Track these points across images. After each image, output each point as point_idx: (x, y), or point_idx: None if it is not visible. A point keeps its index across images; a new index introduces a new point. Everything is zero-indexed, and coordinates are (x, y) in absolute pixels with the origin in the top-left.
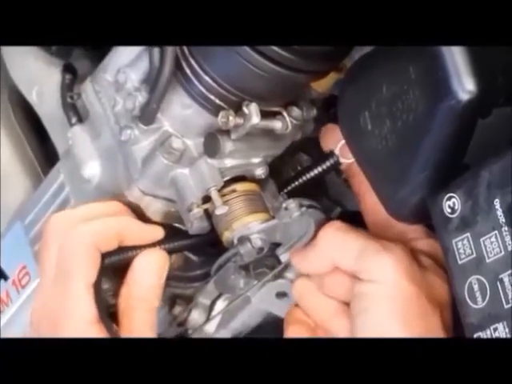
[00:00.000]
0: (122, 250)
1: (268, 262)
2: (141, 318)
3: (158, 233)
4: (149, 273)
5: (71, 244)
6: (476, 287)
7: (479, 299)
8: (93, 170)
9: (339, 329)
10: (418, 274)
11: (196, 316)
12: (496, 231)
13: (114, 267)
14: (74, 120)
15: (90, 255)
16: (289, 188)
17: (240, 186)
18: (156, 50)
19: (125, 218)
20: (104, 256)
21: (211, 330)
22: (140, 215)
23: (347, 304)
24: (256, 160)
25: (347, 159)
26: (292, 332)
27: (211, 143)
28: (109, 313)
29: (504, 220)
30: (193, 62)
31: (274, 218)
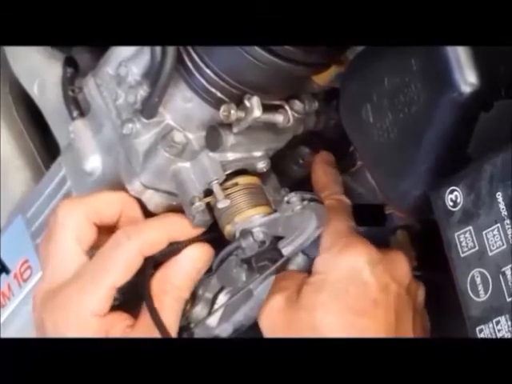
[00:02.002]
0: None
1: (270, 255)
2: (170, 305)
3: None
4: (193, 265)
5: (118, 247)
6: (478, 280)
7: (481, 292)
8: (94, 163)
9: None
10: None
11: (198, 309)
12: (498, 224)
13: None
14: (75, 114)
15: (133, 263)
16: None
17: (242, 180)
18: None
19: (173, 217)
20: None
21: (213, 323)
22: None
23: None
24: (258, 153)
25: None
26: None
27: (213, 137)
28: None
29: (506, 213)
30: (194, 56)
31: (275, 211)
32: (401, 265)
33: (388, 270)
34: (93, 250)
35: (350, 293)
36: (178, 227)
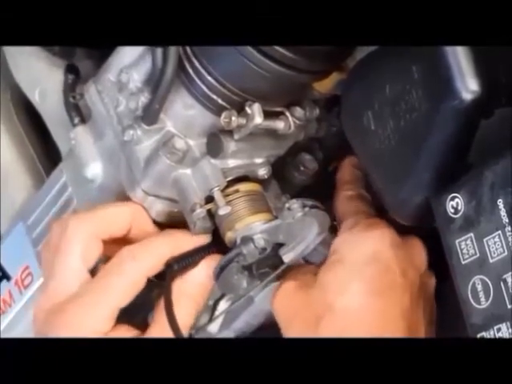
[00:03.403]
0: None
1: (271, 262)
2: (183, 317)
3: (204, 241)
4: (208, 278)
5: (122, 267)
6: (479, 287)
7: (482, 299)
8: (95, 170)
9: None
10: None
11: (199, 316)
12: (499, 231)
13: None
14: (76, 120)
15: (137, 284)
16: None
17: (243, 187)
18: (159, 51)
19: (176, 235)
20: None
21: (214, 330)
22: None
23: None
24: (259, 160)
25: None
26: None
27: (214, 143)
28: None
29: (507, 220)
30: (195, 62)
31: (276, 218)
32: (419, 252)
33: (408, 255)
34: (98, 260)
35: (369, 273)
36: (182, 244)
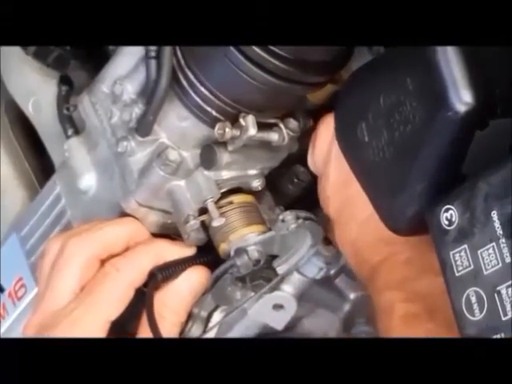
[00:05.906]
0: (170, 265)
1: (265, 274)
2: (167, 329)
3: (190, 252)
4: (190, 289)
5: (108, 281)
6: (473, 299)
7: (477, 311)
8: (89, 181)
9: None
10: None
11: (193, 327)
12: (493, 243)
13: None
14: (70, 132)
15: (125, 295)
16: None
17: (237, 198)
18: (153, 62)
19: (159, 244)
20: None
21: None
22: None
23: None
24: (253, 172)
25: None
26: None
27: (208, 155)
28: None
29: (501, 232)
30: (189, 74)
31: (270, 230)
32: None
33: None
34: None
35: None
36: (166, 253)
